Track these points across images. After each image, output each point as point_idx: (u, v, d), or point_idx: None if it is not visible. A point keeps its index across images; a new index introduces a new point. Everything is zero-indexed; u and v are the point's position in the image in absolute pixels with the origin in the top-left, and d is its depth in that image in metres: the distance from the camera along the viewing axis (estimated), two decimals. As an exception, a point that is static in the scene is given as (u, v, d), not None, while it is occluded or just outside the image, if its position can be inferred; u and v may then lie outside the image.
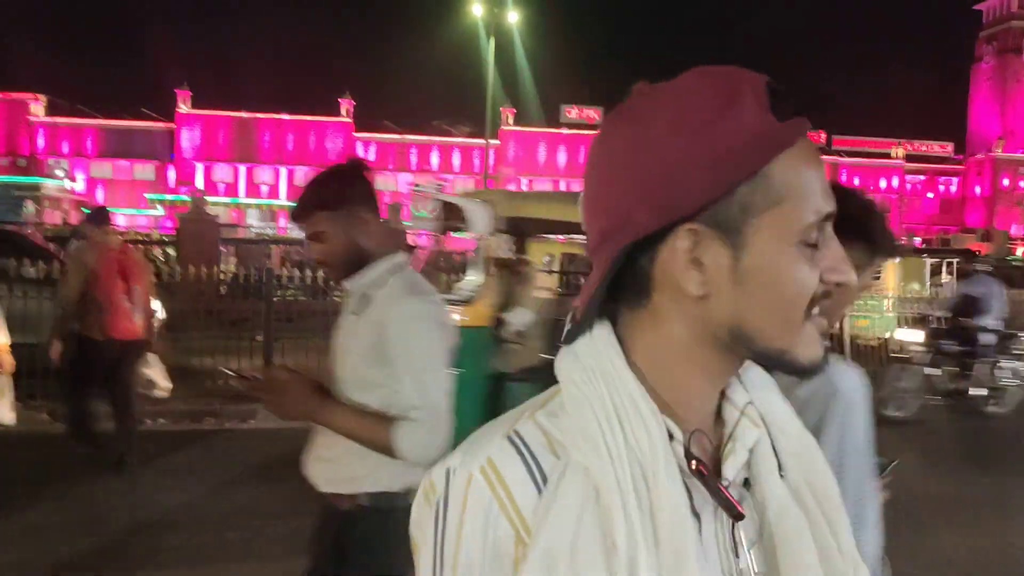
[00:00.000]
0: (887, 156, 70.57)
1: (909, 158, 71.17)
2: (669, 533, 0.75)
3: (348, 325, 2.33)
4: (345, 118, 61.88)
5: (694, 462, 0.78)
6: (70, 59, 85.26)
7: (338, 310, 8.28)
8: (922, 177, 72.82)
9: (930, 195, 73.80)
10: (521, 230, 6.47)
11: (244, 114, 60.94)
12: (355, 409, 2.23)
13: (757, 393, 0.86)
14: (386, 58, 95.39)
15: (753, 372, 0.86)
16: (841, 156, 69.39)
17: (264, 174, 61.96)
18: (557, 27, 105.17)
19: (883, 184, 70.46)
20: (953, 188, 74.06)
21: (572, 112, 64.85)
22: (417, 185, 42.20)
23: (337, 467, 2.31)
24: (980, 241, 49.12)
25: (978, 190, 72.69)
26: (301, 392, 2.22)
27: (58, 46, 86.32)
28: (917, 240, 59.87)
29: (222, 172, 61.50)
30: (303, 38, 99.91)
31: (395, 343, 2.18)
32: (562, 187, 65.05)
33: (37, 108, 59.88)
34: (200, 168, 60.66)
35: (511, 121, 63.89)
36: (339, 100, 61.66)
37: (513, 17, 42.62)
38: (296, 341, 9.54)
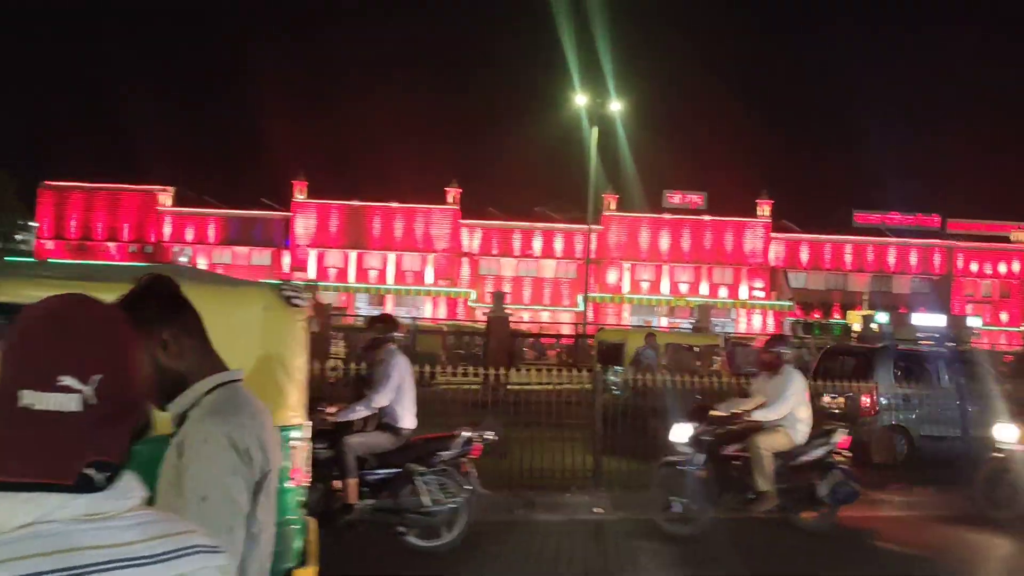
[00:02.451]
0: (1006, 240, 67.83)
1: (1030, 241, 68.18)
2: None
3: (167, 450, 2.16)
4: (452, 205, 63.53)
5: None
6: (199, 154, 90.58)
7: (444, 397, 8.45)
8: (1045, 261, 69.52)
9: (1055, 280, 70.24)
10: None
11: (356, 202, 63.27)
12: None
13: None
14: (492, 147, 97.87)
15: None
16: (957, 240, 67.06)
17: (373, 260, 63.89)
18: (659, 112, 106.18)
19: (1003, 269, 67.56)
20: (1080, 272, 70.31)
21: (675, 197, 64.89)
22: None
23: None
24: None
25: (1108, 274, 68.86)
26: None
27: (189, 142, 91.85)
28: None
29: (333, 258, 63.71)
30: (413, 129, 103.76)
31: (184, 467, 2.01)
32: (665, 272, 64.78)
33: (165, 198, 63.62)
34: (313, 254, 63.01)
35: (613, 207, 64.36)
36: (446, 188, 63.44)
37: (616, 106, 43.44)
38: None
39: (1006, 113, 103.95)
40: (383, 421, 6.99)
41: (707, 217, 64.58)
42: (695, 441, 7.84)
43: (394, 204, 63.37)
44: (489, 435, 7.35)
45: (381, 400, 6.85)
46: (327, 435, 6.68)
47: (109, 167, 62.79)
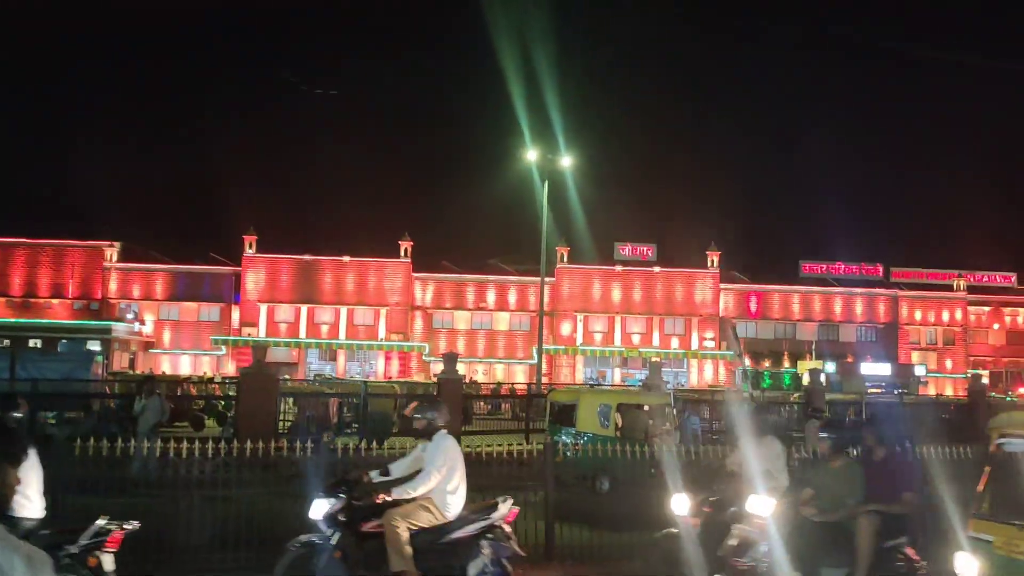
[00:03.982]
0: (948, 288, 69.58)
1: (971, 289, 70.03)
2: None
3: None
4: (404, 259, 63.47)
5: None
6: (146, 208, 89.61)
7: (390, 459, 7.90)
8: (987, 308, 71.42)
9: (996, 327, 72.17)
10: None
11: (307, 256, 62.92)
12: None
13: None
14: (444, 200, 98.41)
15: None
16: (900, 289, 68.63)
17: (324, 314, 63.35)
18: (609, 166, 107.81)
19: (945, 317, 69.20)
20: (1020, 319, 72.33)
21: (626, 249, 65.64)
22: None
23: None
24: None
25: (1046, 321, 70.94)
26: None
27: (135, 196, 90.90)
28: (985, 374, 58.19)
29: (284, 313, 63.05)
30: (364, 183, 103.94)
31: None
32: (617, 323, 65.29)
33: (111, 254, 62.63)
34: (263, 309, 62.31)
35: (565, 259, 64.86)
36: (399, 242, 63.40)
37: (566, 161, 43.97)
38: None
39: (945, 164, 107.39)
40: None
41: (657, 268, 65.36)
42: (330, 517, 7.06)
43: (346, 258, 63.13)
44: (130, 524, 6.44)
45: None
46: None
47: (53, 222, 61.64)
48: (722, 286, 66.23)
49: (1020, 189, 74.67)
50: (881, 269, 68.23)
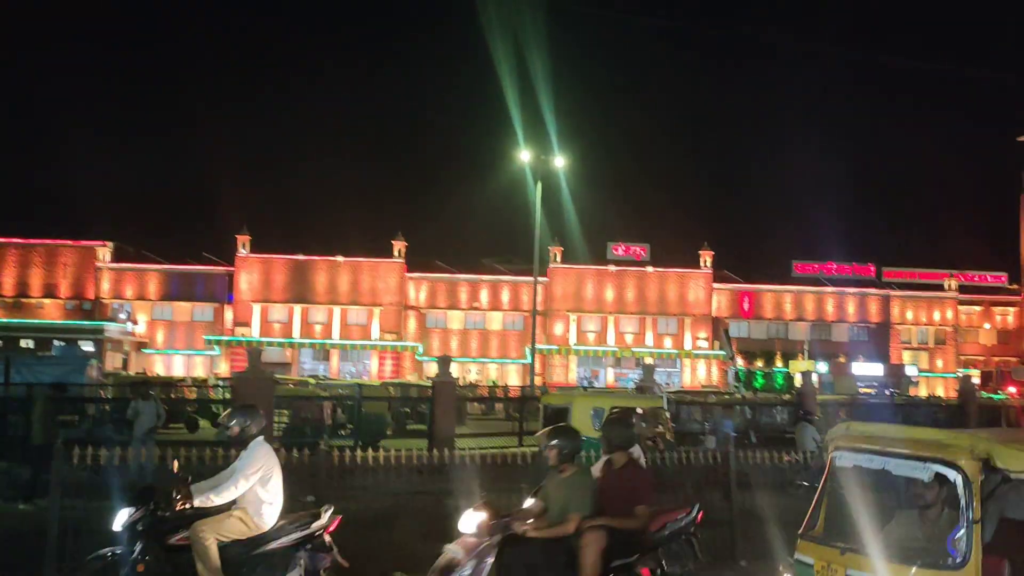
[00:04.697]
0: (940, 288, 69.85)
1: (962, 289, 70.30)
2: None
3: None
4: (397, 259, 63.46)
5: None
6: (139, 208, 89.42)
7: (388, 464, 7.86)
8: (978, 308, 71.73)
9: (987, 326, 72.51)
10: None
11: (300, 256, 62.87)
12: None
13: None
14: (437, 200, 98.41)
15: None
16: (892, 289, 68.88)
17: (318, 314, 63.34)
18: (603, 166, 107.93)
19: (936, 316, 69.48)
20: (1011, 319, 72.69)
21: (619, 249, 65.73)
22: None
23: None
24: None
25: (1037, 320, 71.27)
26: None
27: (128, 196, 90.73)
28: (976, 373, 58.44)
29: (278, 313, 63.01)
30: (358, 183, 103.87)
31: None
32: (610, 323, 65.44)
33: (104, 254, 62.45)
34: (256, 309, 62.26)
35: (559, 259, 64.94)
36: (392, 241, 63.37)
37: (559, 161, 44.09)
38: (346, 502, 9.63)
39: (938, 164, 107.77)
40: None
41: (650, 268, 65.48)
42: (131, 527, 6.61)
43: (339, 258, 63.09)
44: None
45: None
46: None
47: (46, 222, 61.56)
48: (715, 286, 66.38)
49: (1011, 189, 74.90)
50: (873, 269, 68.45)
